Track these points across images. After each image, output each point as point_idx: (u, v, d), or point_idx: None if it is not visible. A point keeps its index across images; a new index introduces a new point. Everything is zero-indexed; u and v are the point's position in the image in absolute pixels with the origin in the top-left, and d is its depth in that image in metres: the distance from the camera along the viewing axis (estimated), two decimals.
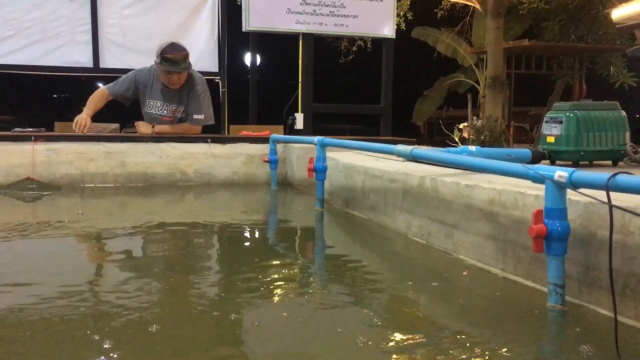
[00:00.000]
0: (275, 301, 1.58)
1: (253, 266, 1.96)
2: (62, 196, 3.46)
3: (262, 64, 10.91)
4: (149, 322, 1.36)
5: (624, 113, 2.81)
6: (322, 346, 1.27)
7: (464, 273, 1.83)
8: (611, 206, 1.26)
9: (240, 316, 1.44)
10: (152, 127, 4.00)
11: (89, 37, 5.19)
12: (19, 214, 3.01)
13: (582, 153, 2.71)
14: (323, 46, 9.33)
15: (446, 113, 13.29)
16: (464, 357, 1.19)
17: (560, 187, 1.41)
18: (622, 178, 1.24)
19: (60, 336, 1.28)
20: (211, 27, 5.59)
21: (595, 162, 2.82)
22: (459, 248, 2.00)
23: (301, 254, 2.26)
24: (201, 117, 4.06)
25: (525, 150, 2.73)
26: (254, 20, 5.41)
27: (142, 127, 4.05)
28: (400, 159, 2.76)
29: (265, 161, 3.91)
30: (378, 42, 6.24)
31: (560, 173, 1.38)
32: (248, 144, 4.11)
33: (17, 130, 4.01)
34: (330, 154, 3.16)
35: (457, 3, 8.98)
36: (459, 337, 1.31)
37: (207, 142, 4.01)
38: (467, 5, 8.87)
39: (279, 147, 3.97)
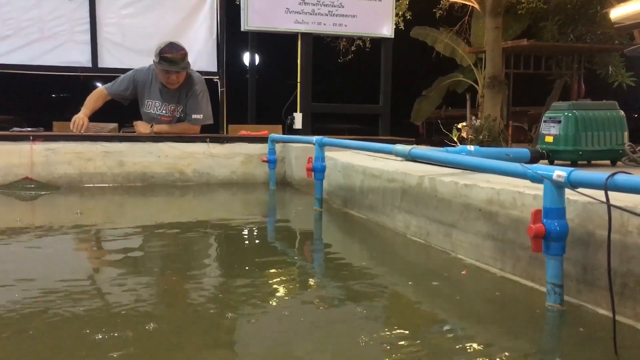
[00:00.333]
0: (273, 300, 1.58)
1: (251, 266, 1.95)
2: (60, 196, 3.46)
3: (260, 63, 10.92)
4: (147, 320, 1.36)
5: (622, 113, 2.81)
6: (321, 345, 1.27)
7: (463, 272, 1.83)
8: (609, 206, 1.26)
9: (238, 315, 1.44)
10: (151, 126, 4.00)
11: (87, 36, 5.18)
12: (18, 214, 3.00)
13: (580, 153, 2.71)
14: (322, 46, 9.34)
15: (445, 113, 13.31)
16: (463, 356, 1.19)
17: (559, 187, 1.41)
18: (621, 178, 1.24)
19: (59, 336, 1.28)
20: (210, 26, 5.58)
21: (593, 162, 2.82)
22: (458, 248, 2.00)
23: (300, 254, 2.26)
24: (200, 116, 4.06)
25: (523, 150, 2.73)
26: (252, 19, 5.40)
27: (141, 127, 4.04)
28: (399, 158, 2.76)
29: (264, 161, 3.90)
30: (377, 41, 6.23)
31: (559, 173, 1.38)
32: (247, 143, 4.10)
33: (16, 130, 4.01)
34: (329, 153, 3.16)
35: (456, 3, 8.99)
36: (457, 336, 1.31)
37: (206, 141, 4.00)
38: (466, 5, 8.87)
39: (278, 147, 3.97)
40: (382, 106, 6.00)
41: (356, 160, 2.96)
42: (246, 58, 8.34)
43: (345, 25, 5.66)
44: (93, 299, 1.57)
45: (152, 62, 3.98)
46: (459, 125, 7.81)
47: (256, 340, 1.31)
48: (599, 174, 1.29)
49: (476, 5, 8.06)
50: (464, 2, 8.64)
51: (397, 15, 8.24)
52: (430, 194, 2.16)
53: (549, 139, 2.78)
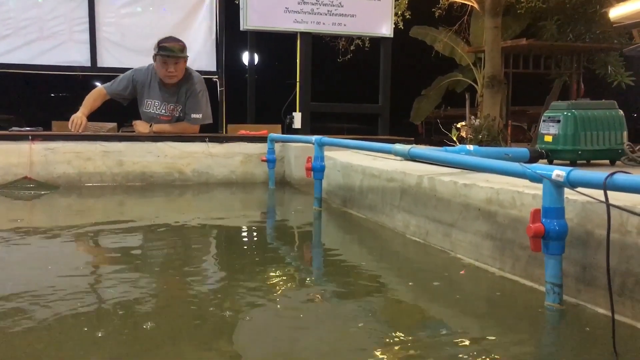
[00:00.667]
0: (272, 300, 1.58)
1: (250, 265, 1.95)
2: (59, 195, 3.45)
3: (260, 63, 10.91)
4: (147, 320, 1.36)
5: (621, 112, 2.81)
6: (321, 344, 1.27)
7: (461, 272, 1.83)
8: (609, 205, 1.26)
9: (238, 315, 1.44)
10: (150, 126, 4.00)
11: (86, 36, 5.18)
12: (17, 214, 3.00)
13: (579, 152, 2.71)
14: (321, 45, 9.34)
15: (444, 112, 13.30)
16: (461, 355, 1.19)
17: (558, 186, 1.41)
18: (620, 177, 1.24)
19: (58, 335, 1.28)
20: (209, 26, 5.58)
21: (593, 161, 2.82)
22: (457, 247, 2.00)
23: (299, 253, 2.26)
24: (199, 116, 4.06)
25: (523, 150, 2.73)
26: (252, 19, 5.40)
27: (140, 127, 4.04)
28: (398, 158, 2.76)
29: (263, 160, 3.90)
30: (376, 41, 6.24)
31: (558, 172, 1.38)
32: (246, 143, 4.10)
33: (15, 130, 4.01)
34: (328, 153, 3.16)
35: (455, 2, 8.98)
36: (456, 335, 1.31)
37: (205, 141, 4.00)
38: (465, 4, 8.87)
39: (277, 147, 3.96)
40: (381, 106, 6.00)
41: (355, 160, 2.96)
42: (245, 57, 8.35)
43: (345, 25, 5.66)
44: (92, 298, 1.57)
45: (151, 62, 3.99)
46: (458, 125, 7.81)
47: (256, 339, 1.30)
48: (598, 174, 1.29)
49: (475, 5, 8.06)
50: (463, 1, 8.64)
51: (396, 14, 8.24)
52: (429, 194, 2.16)
53: (548, 138, 2.78)
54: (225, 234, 2.61)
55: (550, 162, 2.73)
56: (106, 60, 5.27)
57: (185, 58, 3.95)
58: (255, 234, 2.65)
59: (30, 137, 3.68)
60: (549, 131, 2.79)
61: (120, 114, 4.62)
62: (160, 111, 4.05)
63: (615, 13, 5.56)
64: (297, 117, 5.53)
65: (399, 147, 2.45)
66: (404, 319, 1.47)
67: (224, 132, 5.18)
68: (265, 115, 7.09)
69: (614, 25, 6.33)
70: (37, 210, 3.18)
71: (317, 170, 2.96)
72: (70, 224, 2.67)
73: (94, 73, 5.35)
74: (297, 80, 5.65)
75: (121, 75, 4.14)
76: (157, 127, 4.00)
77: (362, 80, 12.09)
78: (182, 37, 4.18)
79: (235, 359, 1.21)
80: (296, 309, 1.51)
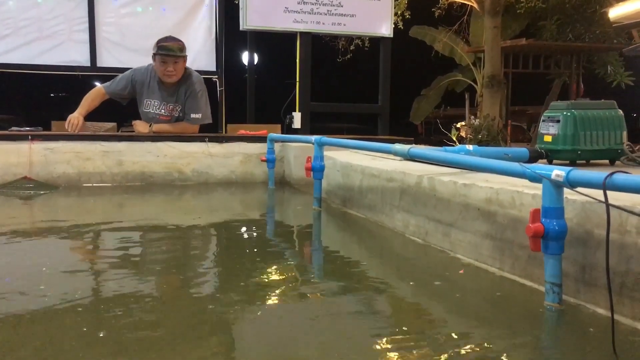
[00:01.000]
0: (273, 300, 1.58)
1: (250, 265, 1.95)
2: (59, 195, 3.45)
3: (259, 62, 10.90)
4: (146, 320, 1.36)
5: (621, 112, 2.81)
6: (321, 344, 1.27)
7: (461, 272, 1.83)
8: (608, 205, 1.26)
9: (238, 314, 1.44)
10: (150, 126, 4.00)
11: (86, 36, 5.19)
12: (16, 213, 3.00)
13: (579, 152, 2.71)
14: (321, 45, 9.33)
15: (444, 112, 13.29)
16: (461, 355, 1.19)
17: (558, 186, 1.41)
18: (619, 177, 1.24)
19: (58, 335, 1.28)
20: (208, 25, 5.59)
21: (592, 161, 2.82)
22: (457, 247, 2.00)
23: (298, 253, 2.26)
24: (198, 116, 4.06)
25: (522, 150, 2.73)
26: (251, 19, 5.40)
27: (140, 126, 4.04)
28: (398, 158, 2.76)
29: (262, 160, 3.90)
30: (376, 41, 6.24)
31: (558, 172, 1.38)
32: (245, 143, 4.10)
33: (14, 130, 4.01)
34: (328, 153, 3.16)
35: (455, 2, 8.98)
36: (455, 335, 1.31)
37: (205, 141, 4.00)
38: (465, 4, 8.87)
39: (277, 146, 3.96)
40: (381, 105, 6.00)
41: (355, 160, 2.96)
42: (245, 57, 8.34)
43: (344, 25, 5.66)
44: (91, 298, 1.57)
45: (150, 62, 3.99)
46: (458, 125, 7.80)
47: (256, 338, 1.30)
48: (598, 174, 1.29)
49: (475, 5, 8.05)
50: (462, 1, 8.64)
51: (396, 14, 8.24)
52: (429, 194, 2.16)
53: (548, 138, 2.78)
54: (225, 233, 2.61)
55: (550, 162, 2.73)
56: (106, 60, 5.28)
57: (184, 57, 3.96)
58: (254, 233, 2.65)
59: (29, 137, 3.68)
60: (548, 131, 2.79)
61: (120, 114, 4.62)
62: (160, 111, 4.05)
63: (614, 13, 5.55)
64: (297, 117, 5.53)
65: (398, 147, 2.45)
66: (403, 319, 1.47)
67: (224, 132, 5.18)
68: (264, 115, 7.09)
69: (613, 25, 6.33)
70: (36, 211, 3.18)
71: (316, 170, 2.96)
72: (70, 224, 2.67)
73: (93, 73, 5.35)
74: (297, 80, 5.65)
75: (120, 74, 4.14)
76: (156, 127, 4.00)
77: (362, 80, 12.09)
78: (181, 37, 4.19)
79: (235, 358, 1.22)
80: (296, 308, 1.51)
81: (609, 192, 1.26)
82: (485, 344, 1.27)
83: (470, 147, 2.52)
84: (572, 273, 1.49)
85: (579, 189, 1.37)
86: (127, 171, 3.81)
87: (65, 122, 3.93)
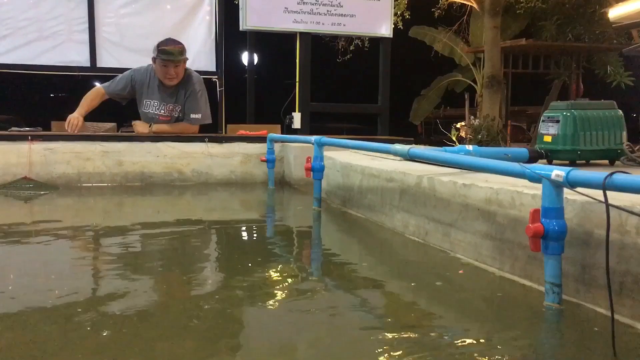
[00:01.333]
0: (272, 300, 1.58)
1: (250, 265, 1.95)
2: (59, 196, 3.45)
3: (259, 63, 10.90)
4: (147, 320, 1.36)
5: (620, 112, 2.82)
6: (321, 343, 1.27)
7: (460, 272, 1.83)
8: (608, 205, 1.26)
9: (236, 314, 1.44)
10: (150, 126, 4.00)
11: (85, 36, 5.18)
12: (16, 213, 3.00)
13: (579, 152, 2.71)
14: (320, 45, 9.33)
15: (443, 112, 13.29)
16: (461, 355, 1.19)
17: (557, 186, 1.41)
18: (619, 177, 1.24)
19: (58, 335, 1.28)
20: (208, 26, 5.58)
21: (592, 162, 2.82)
22: (456, 247, 2.00)
23: (298, 253, 2.26)
24: (198, 116, 4.06)
25: (522, 150, 2.73)
26: (251, 19, 5.40)
27: (140, 127, 4.04)
28: (398, 158, 2.76)
29: (262, 160, 3.90)
30: (375, 41, 6.24)
31: (557, 172, 1.38)
32: (245, 143, 4.10)
33: (14, 130, 4.00)
34: (328, 153, 3.16)
35: (455, 2, 8.98)
36: (455, 335, 1.31)
37: (205, 141, 4.00)
38: (465, 4, 8.87)
39: (277, 147, 3.97)
40: (380, 106, 6.00)
41: (355, 160, 2.96)
42: (245, 58, 8.34)
43: (344, 25, 5.66)
44: (91, 298, 1.57)
45: (150, 62, 3.99)
46: (458, 125, 7.80)
47: (257, 338, 1.30)
48: (598, 174, 1.29)
49: (475, 5, 8.05)
50: (462, 1, 8.64)
51: (395, 14, 8.24)
52: (428, 194, 2.16)
53: (548, 138, 2.78)
54: (225, 234, 2.61)
55: (550, 162, 2.73)
56: (105, 60, 5.27)
57: (185, 60, 3.95)
58: (254, 234, 2.65)
59: (29, 137, 3.68)
60: (548, 131, 2.79)
61: (120, 114, 4.62)
62: (159, 111, 4.05)
63: (614, 13, 5.55)
64: (297, 117, 5.53)
65: (398, 147, 2.45)
66: (403, 319, 1.47)
67: (224, 132, 5.18)
68: (264, 115, 7.09)
69: (613, 26, 6.33)
70: (36, 211, 3.18)
71: (316, 170, 2.96)
72: (70, 224, 2.66)
73: (93, 73, 5.35)
74: (297, 80, 5.65)
75: (120, 75, 4.14)
76: (156, 127, 4.00)
77: (362, 80, 12.09)
78: (181, 37, 4.19)
79: (235, 357, 1.21)
80: (295, 308, 1.51)
81: (608, 192, 1.26)
82: (485, 344, 1.27)
83: (470, 147, 2.52)
84: (572, 273, 1.49)
85: (579, 189, 1.37)
86: (127, 171, 3.81)
87: (65, 123, 3.92)
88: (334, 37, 9.82)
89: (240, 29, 5.51)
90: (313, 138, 3.02)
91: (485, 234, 1.84)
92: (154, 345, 1.24)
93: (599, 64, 9.11)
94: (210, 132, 4.40)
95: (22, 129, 3.99)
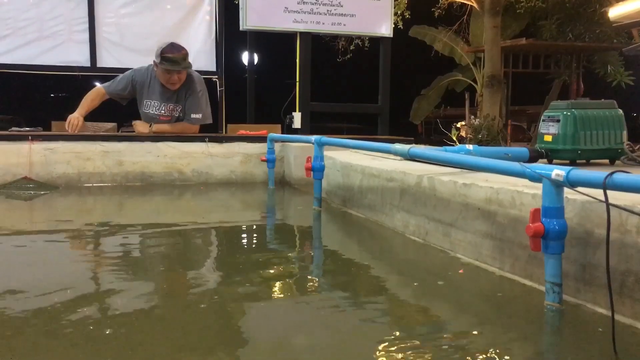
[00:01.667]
0: (272, 300, 1.58)
1: (251, 265, 1.95)
2: (59, 196, 3.45)
3: (259, 62, 10.91)
4: (147, 320, 1.36)
5: (621, 111, 2.81)
6: (321, 343, 1.27)
7: (460, 272, 1.83)
8: (608, 205, 1.26)
9: (236, 314, 1.44)
10: (150, 126, 4.00)
11: (86, 36, 5.19)
12: (16, 214, 3.00)
13: (579, 152, 2.71)
14: (320, 45, 9.33)
15: (444, 112, 13.29)
16: (461, 355, 1.19)
17: (558, 186, 1.41)
18: (619, 176, 1.24)
19: (57, 335, 1.28)
20: (208, 26, 5.59)
21: (592, 161, 2.82)
22: (457, 247, 2.00)
23: (299, 253, 2.26)
24: (199, 116, 4.06)
25: (522, 149, 2.73)
26: (251, 19, 5.41)
27: (140, 127, 4.04)
28: (398, 158, 2.76)
29: (262, 160, 3.90)
30: (376, 41, 6.24)
31: (558, 172, 1.38)
32: (245, 143, 4.10)
33: (14, 130, 4.01)
34: (328, 153, 3.16)
35: (455, 2, 8.98)
36: (456, 335, 1.31)
37: (205, 141, 4.00)
38: (465, 4, 8.87)
39: (277, 146, 3.96)
40: (381, 105, 6.00)
41: (355, 160, 2.96)
42: (245, 57, 8.34)
43: (344, 25, 5.67)
44: (91, 298, 1.57)
45: (151, 63, 3.98)
46: (458, 125, 7.81)
47: (257, 337, 1.30)
48: (598, 173, 1.29)
49: (475, 4, 8.05)
50: (462, 1, 8.64)
51: (395, 14, 8.24)
52: (429, 193, 2.16)
53: (548, 138, 2.78)
54: (225, 233, 2.61)
55: (550, 162, 2.73)
56: (106, 60, 5.28)
57: (188, 68, 3.93)
58: (255, 233, 2.65)
59: (29, 137, 3.68)
60: (548, 131, 2.79)
61: (120, 114, 4.63)
62: (160, 111, 4.05)
63: (614, 12, 5.55)
64: (297, 117, 5.53)
65: (398, 146, 2.45)
66: (403, 318, 1.47)
67: (224, 132, 5.18)
68: (264, 115, 7.10)
69: (613, 25, 6.33)
70: (36, 211, 3.18)
71: (316, 170, 2.96)
72: (70, 224, 2.66)
73: (93, 73, 5.35)
74: (297, 80, 5.65)
75: (121, 75, 4.14)
76: (156, 127, 4.00)
77: (362, 80, 12.09)
78: (181, 37, 4.19)
79: (235, 356, 1.21)
80: (296, 308, 1.51)
81: (609, 192, 1.26)
82: (485, 344, 1.27)
83: (470, 146, 2.52)
84: (572, 273, 1.49)
85: (579, 189, 1.37)
86: (127, 171, 3.81)
87: (65, 123, 3.92)
88: (334, 37, 9.83)
89: (241, 28, 5.51)
90: (313, 138, 3.02)
91: (485, 233, 1.84)
92: (154, 345, 1.24)
93: (599, 63, 9.11)
94: (210, 132, 4.40)
95: (22, 129, 3.99)
